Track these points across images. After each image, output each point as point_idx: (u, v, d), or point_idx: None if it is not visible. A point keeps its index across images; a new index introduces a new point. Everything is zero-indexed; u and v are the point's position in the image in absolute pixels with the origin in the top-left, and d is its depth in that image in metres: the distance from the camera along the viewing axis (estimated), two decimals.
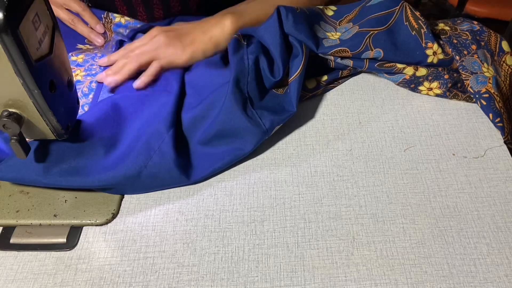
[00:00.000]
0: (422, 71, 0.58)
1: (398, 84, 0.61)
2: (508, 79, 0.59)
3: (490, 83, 0.56)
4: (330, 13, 0.63)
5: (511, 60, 0.59)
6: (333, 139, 0.56)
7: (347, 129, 0.57)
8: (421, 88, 0.60)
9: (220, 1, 0.71)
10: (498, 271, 0.44)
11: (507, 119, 0.56)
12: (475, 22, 0.62)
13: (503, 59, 0.59)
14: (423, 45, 0.57)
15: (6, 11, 0.33)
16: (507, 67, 0.59)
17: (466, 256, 0.45)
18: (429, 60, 0.57)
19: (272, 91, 0.58)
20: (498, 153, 0.54)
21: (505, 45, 0.60)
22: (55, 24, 0.42)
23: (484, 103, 0.56)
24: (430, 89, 0.59)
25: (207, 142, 0.53)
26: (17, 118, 0.41)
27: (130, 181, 0.49)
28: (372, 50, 0.57)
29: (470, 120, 0.58)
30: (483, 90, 0.56)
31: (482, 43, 0.59)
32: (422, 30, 0.57)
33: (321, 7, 0.63)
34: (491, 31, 0.61)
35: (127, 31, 0.71)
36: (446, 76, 0.58)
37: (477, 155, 0.54)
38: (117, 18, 0.71)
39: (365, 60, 0.59)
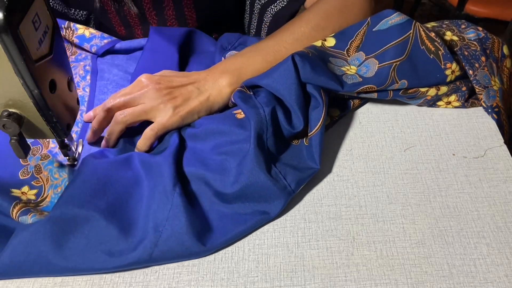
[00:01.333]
0: (443, 90, 0.56)
1: (418, 105, 0.59)
2: (508, 82, 0.59)
3: (498, 97, 0.56)
4: (332, 43, 0.58)
5: (510, 63, 0.59)
6: (333, 139, 0.56)
7: (347, 129, 0.57)
8: (439, 103, 0.58)
9: (219, 23, 0.70)
10: (498, 271, 0.44)
11: (507, 130, 0.57)
12: (480, 28, 0.61)
13: (505, 64, 0.60)
14: (442, 66, 0.55)
15: (6, 11, 0.33)
16: (507, 70, 0.59)
17: (466, 256, 0.45)
18: (448, 79, 0.55)
19: (287, 142, 0.54)
20: (498, 153, 0.54)
21: (505, 49, 0.60)
22: (55, 24, 0.42)
23: (496, 117, 0.56)
24: (449, 102, 0.58)
25: (227, 201, 0.49)
26: (17, 118, 0.41)
27: (139, 265, 0.45)
28: (397, 83, 0.54)
29: (470, 120, 0.58)
30: (494, 104, 0.56)
31: (488, 51, 0.59)
32: (439, 52, 0.55)
33: (319, 42, 0.58)
34: (494, 36, 0.60)
35: (94, 48, 0.66)
36: (463, 88, 0.57)
37: (477, 155, 0.54)
38: (80, 30, 0.67)
39: (389, 91, 0.56)
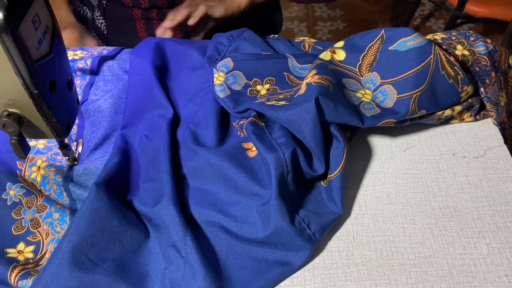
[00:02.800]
0: (457, 109, 0.55)
1: (432, 124, 0.57)
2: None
3: (504, 112, 0.56)
4: (342, 56, 0.55)
5: None
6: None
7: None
8: (453, 121, 0.57)
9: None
10: (498, 271, 0.44)
11: (510, 143, 0.57)
12: (488, 41, 0.59)
13: (510, 75, 0.59)
14: (459, 90, 0.53)
15: (6, 11, 0.33)
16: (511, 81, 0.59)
17: (466, 256, 0.45)
18: (462, 100, 0.55)
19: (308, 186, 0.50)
20: (498, 153, 0.54)
21: (511, 60, 0.59)
22: (55, 24, 0.42)
23: (502, 132, 0.56)
24: (462, 119, 0.57)
25: (249, 248, 0.45)
26: (17, 118, 0.41)
27: None
28: (417, 113, 0.52)
29: None
30: (502, 120, 0.56)
31: (496, 64, 0.58)
32: (458, 76, 0.53)
33: (328, 55, 0.55)
34: (501, 48, 0.60)
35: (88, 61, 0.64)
36: (475, 104, 0.56)
37: (477, 155, 0.54)
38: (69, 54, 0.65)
39: (407, 120, 0.54)
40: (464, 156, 0.54)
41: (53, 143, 0.55)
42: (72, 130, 0.55)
